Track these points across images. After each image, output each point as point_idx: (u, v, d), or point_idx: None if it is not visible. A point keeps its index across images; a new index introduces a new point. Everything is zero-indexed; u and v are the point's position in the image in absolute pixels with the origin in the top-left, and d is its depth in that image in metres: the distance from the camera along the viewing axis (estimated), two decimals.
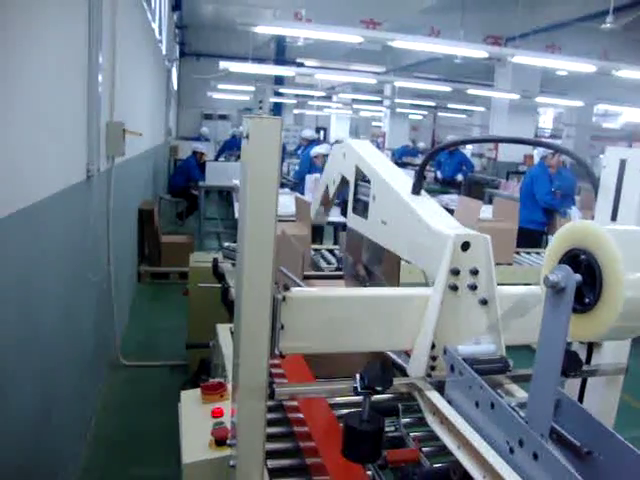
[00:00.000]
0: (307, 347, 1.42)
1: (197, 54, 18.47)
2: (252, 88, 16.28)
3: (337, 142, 2.54)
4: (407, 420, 2.02)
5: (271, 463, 1.74)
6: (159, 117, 10.18)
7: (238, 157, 10.49)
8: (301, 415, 1.89)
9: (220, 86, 15.23)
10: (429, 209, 1.61)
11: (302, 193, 7.47)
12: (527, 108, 13.13)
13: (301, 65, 16.90)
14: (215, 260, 3.51)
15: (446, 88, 13.52)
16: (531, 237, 6.24)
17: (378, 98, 19.50)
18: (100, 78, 3.49)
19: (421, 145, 16.95)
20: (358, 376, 1.29)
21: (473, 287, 1.43)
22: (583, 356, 1.66)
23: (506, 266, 5.08)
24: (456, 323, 1.43)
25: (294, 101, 20.39)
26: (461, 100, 18.49)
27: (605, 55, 10.75)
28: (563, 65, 9.20)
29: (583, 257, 1.06)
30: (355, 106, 22.74)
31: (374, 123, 27.69)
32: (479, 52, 8.14)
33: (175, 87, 16.54)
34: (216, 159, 12.51)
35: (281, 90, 18.06)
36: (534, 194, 6.53)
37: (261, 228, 1.23)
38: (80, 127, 3.29)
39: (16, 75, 2.12)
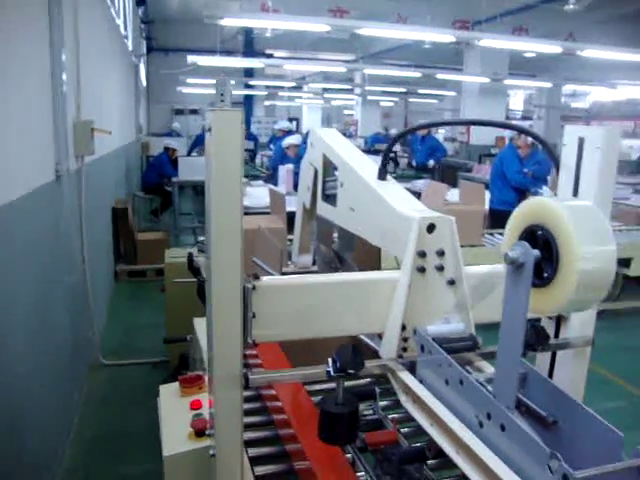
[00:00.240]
0: (280, 334, 1.45)
1: (165, 49, 18.29)
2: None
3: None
4: (385, 403, 2.06)
5: (252, 451, 1.76)
6: (129, 114, 10.08)
7: None
8: (279, 403, 1.91)
9: (189, 80, 15.10)
10: (395, 194, 1.64)
11: (276, 184, 7.48)
12: (497, 91, 13.24)
13: (270, 56, 16.82)
14: (190, 255, 3.49)
15: (416, 74, 13.57)
16: (503, 218, 6.26)
17: (348, 86, 19.48)
18: (64, 77, 3.45)
19: (393, 132, 17.01)
20: (330, 360, 1.32)
21: (440, 268, 1.46)
22: (552, 331, 1.71)
23: (477, 248, 5.15)
24: (425, 304, 1.46)
25: (264, 93, 20.30)
26: (432, 85, 18.58)
27: (571, 36, 10.88)
28: (529, 47, 9.32)
29: (540, 233, 1.09)
30: (326, 95, 22.70)
31: (346, 111, 27.69)
32: (446, 37, 8.21)
33: (144, 83, 16.36)
34: (189, 154, 12.42)
35: (251, 82, 17.97)
36: (504, 175, 6.61)
37: (227, 219, 1.25)
38: (47, 127, 3.26)
39: None
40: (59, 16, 3.32)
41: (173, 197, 8.83)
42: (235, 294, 1.28)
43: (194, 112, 20.30)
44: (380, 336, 1.55)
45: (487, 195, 6.74)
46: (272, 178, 8.41)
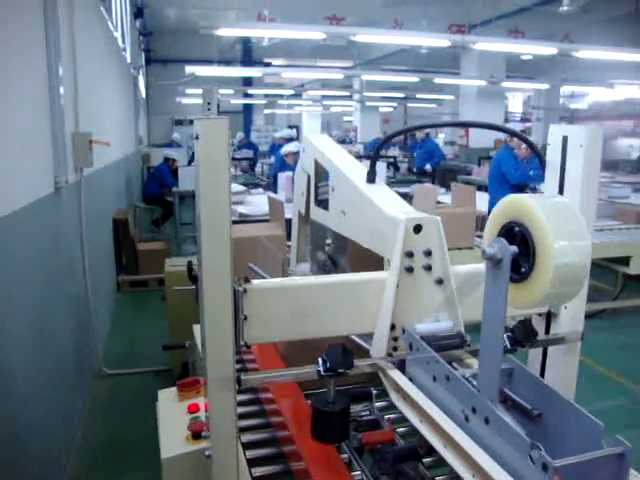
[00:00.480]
0: (272, 336, 1.48)
1: (164, 60, 18.37)
2: (221, 91, 16.24)
3: None
4: (383, 404, 2.08)
5: (250, 453, 1.79)
6: (128, 125, 10.14)
7: None
8: (276, 406, 1.94)
9: (188, 91, 15.16)
10: (383, 196, 1.67)
11: (276, 192, 7.51)
12: (495, 94, 13.28)
13: (268, 65, 16.92)
14: (190, 263, 3.51)
15: (414, 79, 13.63)
16: None
17: (347, 93, 19.54)
18: (62, 90, 3.50)
19: None
20: (321, 360, 1.34)
21: (428, 268, 1.49)
22: (542, 327, 1.74)
23: (468, 250, 5.15)
24: (414, 303, 1.49)
25: (264, 101, 20.38)
26: (430, 90, 18.64)
27: (567, 38, 10.93)
28: (524, 49, 9.38)
29: (518, 230, 1.12)
30: (325, 102, 22.77)
31: (345, 118, 27.76)
32: (442, 41, 8.25)
33: (144, 95, 16.44)
34: (189, 164, 12.49)
35: (250, 91, 18.04)
36: (502, 177, 6.63)
37: (216, 224, 1.28)
38: (45, 140, 3.31)
39: None
40: (55, 32, 3.37)
41: (174, 207, 8.88)
42: (226, 297, 1.31)
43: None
44: (371, 336, 1.58)
45: (487, 197, 6.79)
46: (273, 186, 8.44)
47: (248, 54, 17.66)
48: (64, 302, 3.56)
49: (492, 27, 10.58)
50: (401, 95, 19.69)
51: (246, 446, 1.81)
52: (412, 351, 1.39)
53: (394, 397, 1.42)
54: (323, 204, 2.12)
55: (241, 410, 2.02)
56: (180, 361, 3.74)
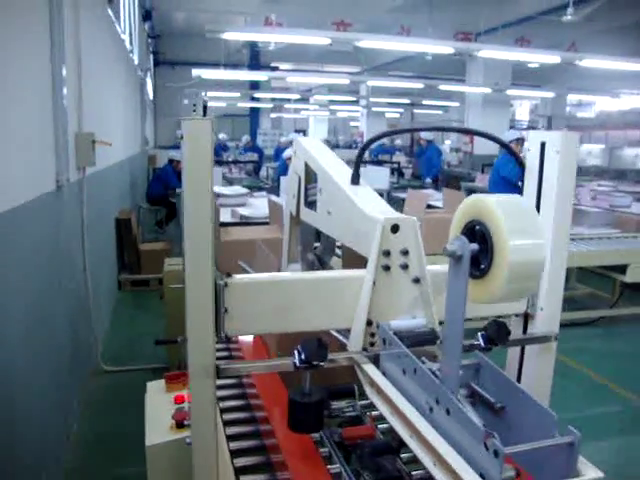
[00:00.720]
0: (251, 329, 1.53)
1: (172, 62, 18.53)
2: (228, 94, 16.36)
3: None
4: (368, 401, 2.13)
5: (233, 445, 1.84)
6: (134, 127, 10.24)
7: (216, 162, 10.57)
8: (261, 401, 1.99)
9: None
10: (365, 197, 1.73)
11: (279, 195, 7.57)
12: (501, 101, 13.33)
13: (275, 69, 17.01)
14: None
15: (419, 85, 13.69)
16: None
17: (353, 98, 19.62)
18: (65, 91, 3.57)
19: (398, 142, 17.10)
20: (296, 352, 1.40)
21: (405, 267, 1.54)
22: (520, 328, 1.79)
23: None
24: (391, 301, 1.55)
25: (270, 105, 20.49)
26: (437, 96, 18.69)
27: (573, 46, 10.96)
28: (527, 57, 9.41)
29: (478, 228, 1.17)
30: (332, 107, 22.87)
31: (352, 123, 27.85)
32: (446, 48, 8.31)
33: (151, 96, 16.57)
34: None
35: (256, 95, 18.15)
36: (502, 183, 6.67)
37: (199, 219, 1.34)
38: (47, 139, 3.38)
39: None
40: (60, 33, 3.45)
41: (178, 208, 8.96)
42: (208, 290, 1.37)
43: None
44: (350, 331, 1.63)
45: None
46: (277, 189, 8.51)
47: (255, 58, 17.77)
48: (63, 298, 3.62)
49: (498, 35, 10.64)
50: (407, 101, 19.77)
51: (231, 438, 1.86)
52: (385, 346, 1.44)
53: (369, 391, 1.47)
54: (312, 206, 2.17)
55: (228, 404, 2.08)
56: (177, 359, 3.80)
